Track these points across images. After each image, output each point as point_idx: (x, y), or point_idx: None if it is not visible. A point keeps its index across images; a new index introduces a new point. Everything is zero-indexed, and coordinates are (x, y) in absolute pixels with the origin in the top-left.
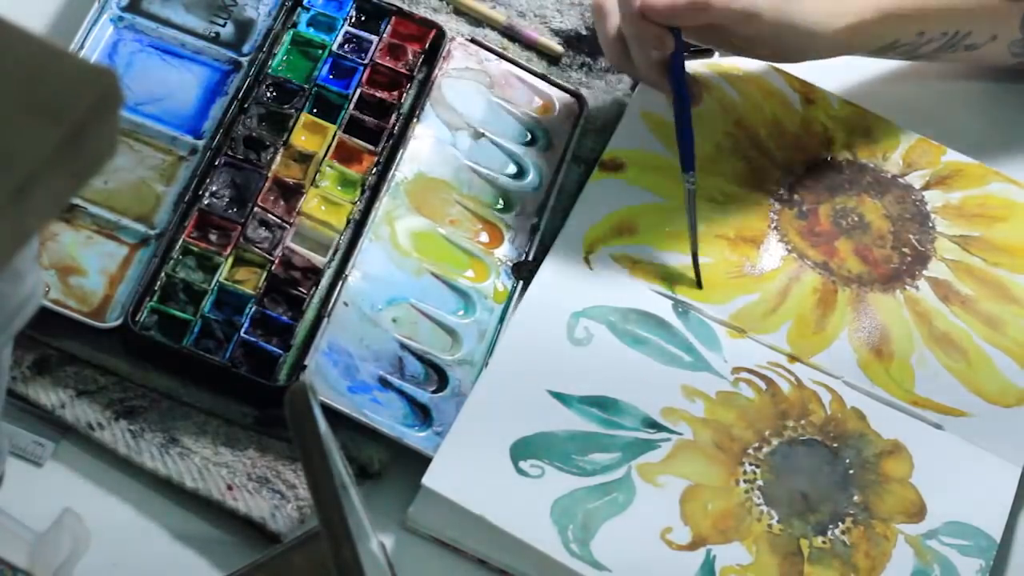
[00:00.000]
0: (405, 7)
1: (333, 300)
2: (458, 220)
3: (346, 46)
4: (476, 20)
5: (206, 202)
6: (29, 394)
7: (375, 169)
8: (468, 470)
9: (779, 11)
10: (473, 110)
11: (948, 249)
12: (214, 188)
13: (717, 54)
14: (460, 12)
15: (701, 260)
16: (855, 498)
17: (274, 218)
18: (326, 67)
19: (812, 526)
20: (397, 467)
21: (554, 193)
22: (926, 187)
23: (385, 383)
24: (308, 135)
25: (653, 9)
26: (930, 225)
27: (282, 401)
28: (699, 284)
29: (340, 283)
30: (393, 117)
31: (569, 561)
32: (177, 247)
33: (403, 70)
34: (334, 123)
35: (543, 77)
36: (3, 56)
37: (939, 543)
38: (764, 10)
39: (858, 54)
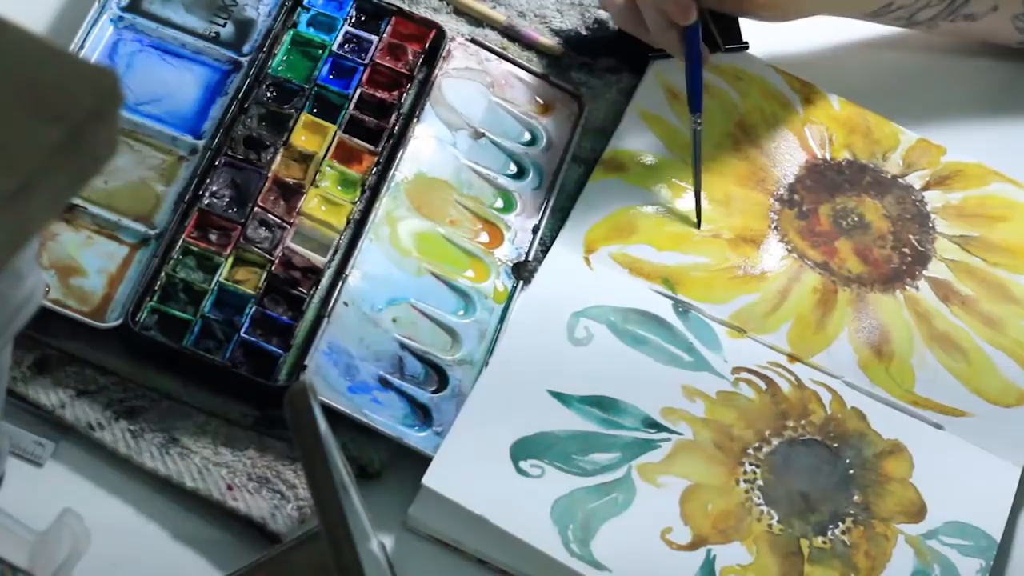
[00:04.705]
0: (405, 7)
1: (333, 300)
2: (458, 220)
3: (346, 46)
4: (476, 20)
5: (206, 202)
6: (29, 394)
7: (375, 169)
8: (468, 470)
9: None
10: (473, 110)
11: (948, 249)
12: (214, 188)
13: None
14: (460, 12)
15: (701, 260)
16: (855, 498)
17: (274, 218)
18: (326, 67)
19: (812, 526)
20: (397, 467)
21: (554, 193)
22: (926, 187)
23: (385, 383)
24: (308, 135)
25: None
26: (930, 225)
27: (282, 401)
28: (699, 223)
29: (340, 283)
30: (393, 117)
31: (569, 561)
32: (177, 247)
33: (403, 70)
34: (334, 123)
35: (543, 77)
36: (3, 56)
37: (939, 543)
38: None
39: (854, 15)
